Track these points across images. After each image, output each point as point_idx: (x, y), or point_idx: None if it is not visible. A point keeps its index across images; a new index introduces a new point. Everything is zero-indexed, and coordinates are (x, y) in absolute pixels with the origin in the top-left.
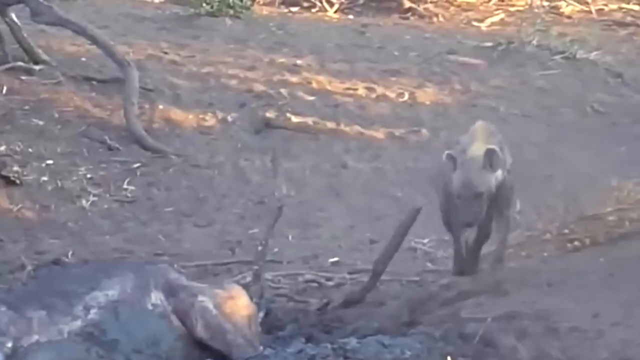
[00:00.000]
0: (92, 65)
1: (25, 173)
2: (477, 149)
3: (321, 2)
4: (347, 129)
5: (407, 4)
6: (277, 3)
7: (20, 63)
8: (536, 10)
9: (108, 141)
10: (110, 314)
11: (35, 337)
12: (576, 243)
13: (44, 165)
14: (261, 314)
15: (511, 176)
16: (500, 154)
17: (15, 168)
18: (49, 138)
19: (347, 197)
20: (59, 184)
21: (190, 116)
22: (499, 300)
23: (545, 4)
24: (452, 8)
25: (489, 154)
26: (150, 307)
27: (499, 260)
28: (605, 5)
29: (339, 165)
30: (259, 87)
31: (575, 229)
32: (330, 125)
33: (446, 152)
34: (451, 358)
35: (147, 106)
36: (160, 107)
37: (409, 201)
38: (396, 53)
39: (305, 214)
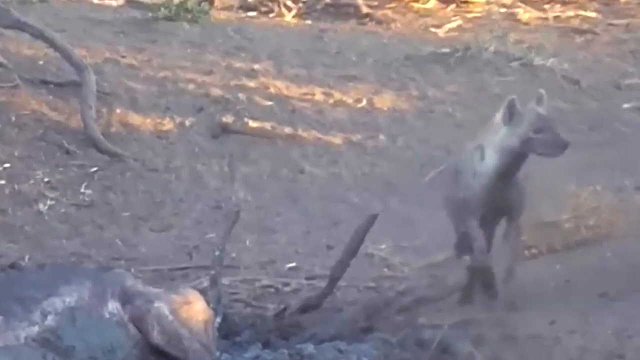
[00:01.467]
0: (50, 68)
1: None
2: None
3: (279, 7)
4: (304, 134)
5: (365, 10)
6: (234, 8)
7: None
8: (493, 17)
9: (65, 145)
10: (67, 320)
11: None
12: (533, 250)
13: (0, 168)
14: (218, 320)
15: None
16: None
17: None
18: (5, 141)
19: (304, 203)
20: (16, 187)
21: (148, 120)
22: (455, 307)
23: (503, 10)
24: (409, 14)
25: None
26: (107, 315)
27: (510, 274)
28: (562, 12)
29: (296, 171)
30: (216, 92)
31: (532, 236)
32: (288, 130)
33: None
34: None
35: (104, 110)
36: (118, 111)
37: (366, 207)
38: (354, 59)
39: (263, 219)
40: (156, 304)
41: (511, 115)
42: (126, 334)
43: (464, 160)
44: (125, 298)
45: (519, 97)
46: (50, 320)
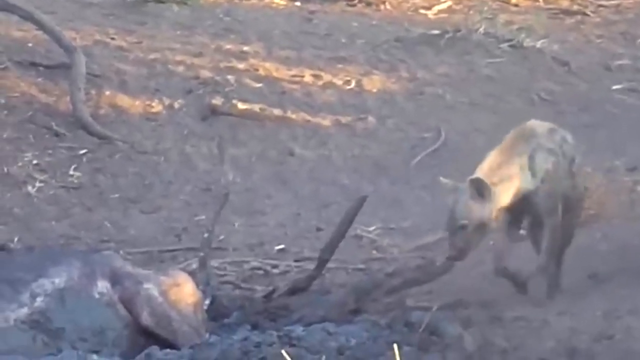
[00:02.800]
0: (39, 50)
1: None
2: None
3: None
4: (293, 116)
5: None
6: None
7: None
8: None
9: (54, 127)
10: (56, 301)
11: None
12: (522, 232)
13: None
14: (207, 301)
15: (548, 185)
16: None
17: None
18: None
19: (293, 185)
20: (5, 169)
21: (137, 102)
22: (445, 289)
23: None
24: None
25: (475, 183)
26: (96, 296)
27: (542, 269)
28: None
29: (285, 153)
30: (205, 74)
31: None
32: (277, 112)
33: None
34: (397, 346)
35: (93, 92)
36: (107, 93)
37: (356, 189)
38: (343, 40)
39: (252, 201)
40: (145, 286)
41: (480, 192)
42: (116, 314)
43: None
44: (115, 278)
45: (509, 79)
46: (39, 301)
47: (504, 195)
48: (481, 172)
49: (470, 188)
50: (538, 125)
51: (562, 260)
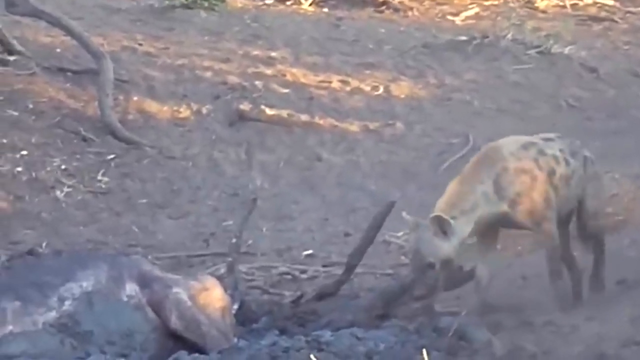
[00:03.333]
0: (67, 56)
1: None
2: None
3: None
4: (321, 121)
5: None
6: None
7: None
8: (511, 5)
9: (82, 132)
10: (84, 305)
11: (9, 328)
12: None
13: (18, 155)
14: (235, 306)
15: (522, 205)
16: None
17: None
18: (23, 129)
19: (321, 190)
20: (33, 174)
21: (165, 108)
22: (473, 294)
23: None
24: (426, 2)
25: (436, 221)
26: (124, 299)
27: (552, 275)
28: (580, 0)
29: (313, 158)
30: (233, 80)
31: None
32: (305, 118)
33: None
34: (425, 351)
35: (121, 97)
36: (135, 98)
37: (383, 194)
38: (371, 46)
39: (279, 207)
40: (175, 290)
41: (442, 229)
42: (144, 317)
43: None
44: (144, 281)
45: (537, 85)
46: (67, 305)
47: (467, 227)
48: (440, 206)
49: (432, 226)
50: (507, 144)
51: (604, 256)
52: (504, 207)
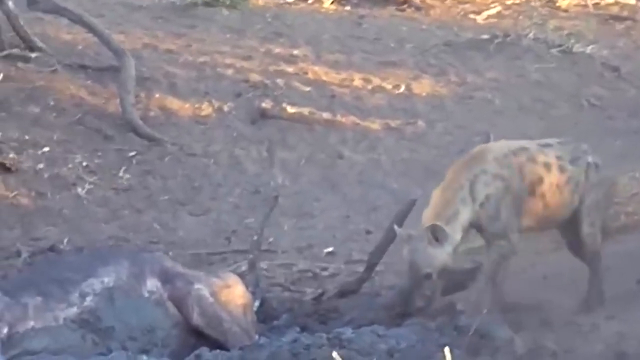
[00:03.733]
0: (88, 53)
1: (21, 160)
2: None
3: None
4: (343, 119)
5: None
6: None
7: (16, 51)
8: (533, 4)
9: (104, 129)
10: (105, 301)
11: (31, 323)
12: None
13: (39, 152)
14: (256, 303)
15: (488, 209)
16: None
17: (11, 155)
18: (44, 126)
19: (342, 188)
20: (55, 171)
21: (186, 105)
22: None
23: None
24: (448, 0)
25: (431, 230)
26: (146, 295)
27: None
28: None
29: (334, 156)
30: (255, 77)
31: None
32: (326, 115)
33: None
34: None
35: (143, 95)
36: (157, 95)
37: (405, 192)
38: (392, 45)
39: (301, 204)
40: (197, 286)
41: (436, 237)
42: (165, 313)
43: None
44: (165, 278)
45: (559, 84)
46: (89, 301)
47: (457, 234)
48: (427, 217)
49: (427, 235)
50: (495, 148)
51: (600, 268)
52: (476, 209)
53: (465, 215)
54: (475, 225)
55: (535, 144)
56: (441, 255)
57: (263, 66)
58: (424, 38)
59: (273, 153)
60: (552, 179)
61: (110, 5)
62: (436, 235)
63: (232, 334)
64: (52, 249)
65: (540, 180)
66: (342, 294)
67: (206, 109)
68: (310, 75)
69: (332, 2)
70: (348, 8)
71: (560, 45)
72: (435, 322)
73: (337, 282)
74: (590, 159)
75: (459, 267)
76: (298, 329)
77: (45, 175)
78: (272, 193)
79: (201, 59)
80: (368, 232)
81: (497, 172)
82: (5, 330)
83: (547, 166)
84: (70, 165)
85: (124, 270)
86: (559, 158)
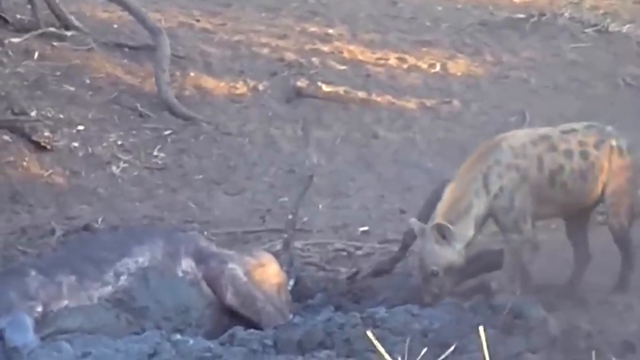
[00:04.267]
0: (124, 32)
1: (56, 139)
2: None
3: None
4: (378, 98)
5: None
6: None
7: (52, 29)
8: None
9: (139, 108)
10: (140, 280)
11: (65, 302)
12: (603, 216)
13: (74, 131)
14: (291, 282)
15: (502, 200)
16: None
17: (46, 134)
18: (80, 104)
19: (377, 167)
20: (90, 150)
21: (222, 84)
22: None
23: None
24: None
25: (437, 229)
26: (180, 274)
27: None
28: None
29: (369, 135)
30: (290, 56)
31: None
32: (362, 95)
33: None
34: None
35: (178, 74)
36: (192, 74)
37: (439, 172)
38: (428, 24)
39: (336, 184)
40: (230, 265)
41: (443, 236)
42: (199, 293)
43: None
44: (200, 257)
45: (594, 63)
46: (123, 280)
47: (467, 230)
48: (440, 212)
49: (433, 234)
50: (513, 137)
51: (632, 249)
52: (489, 201)
53: (479, 208)
54: (492, 216)
55: (558, 130)
56: (448, 254)
57: (298, 45)
58: (459, 17)
59: (308, 132)
60: (574, 166)
61: None
62: (442, 233)
63: (266, 313)
64: (86, 227)
65: (561, 168)
66: (376, 273)
67: (241, 88)
68: (345, 54)
69: None
70: None
71: (595, 25)
72: (469, 302)
73: (371, 262)
74: (614, 142)
75: (488, 248)
76: (332, 308)
77: (80, 154)
78: (307, 172)
79: (236, 38)
80: (402, 212)
81: (511, 162)
82: (39, 309)
83: (569, 154)
84: (105, 144)
85: (159, 250)
86: (581, 144)
